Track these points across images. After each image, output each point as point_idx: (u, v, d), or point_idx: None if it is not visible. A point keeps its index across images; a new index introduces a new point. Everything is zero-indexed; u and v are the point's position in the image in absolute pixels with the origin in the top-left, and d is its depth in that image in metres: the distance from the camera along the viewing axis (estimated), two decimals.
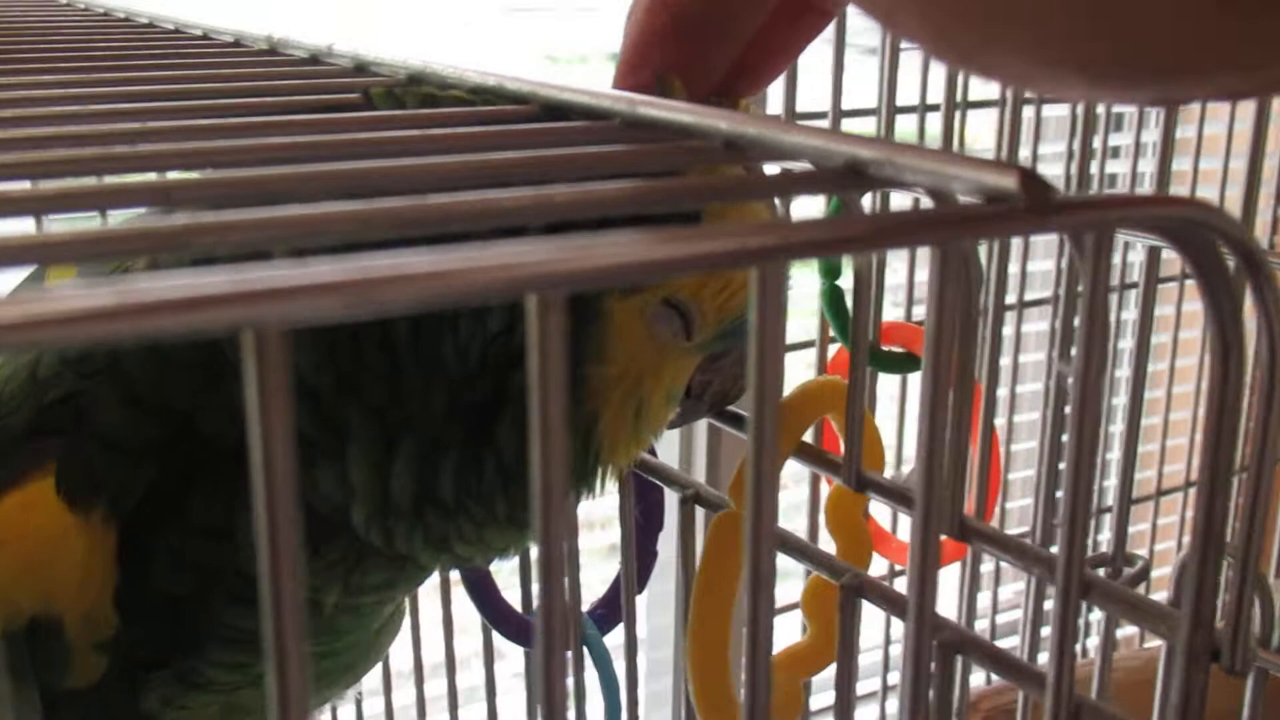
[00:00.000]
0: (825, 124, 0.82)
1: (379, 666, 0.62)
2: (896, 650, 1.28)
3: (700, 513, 0.51)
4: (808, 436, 0.47)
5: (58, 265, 0.52)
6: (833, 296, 0.75)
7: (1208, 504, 0.29)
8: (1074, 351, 0.27)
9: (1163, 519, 1.42)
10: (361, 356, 0.41)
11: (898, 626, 0.44)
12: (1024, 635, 1.08)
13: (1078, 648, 1.27)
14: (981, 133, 1.30)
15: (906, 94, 0.89)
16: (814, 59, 0.83)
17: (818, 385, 0.47)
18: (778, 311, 0.23)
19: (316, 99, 0.39)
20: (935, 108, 0.92)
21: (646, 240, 0.20)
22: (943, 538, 0.35)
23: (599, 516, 1.39)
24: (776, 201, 0.40)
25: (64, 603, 0.44)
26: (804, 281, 0.81)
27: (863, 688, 1.08)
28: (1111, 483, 1.41)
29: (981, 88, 1.06)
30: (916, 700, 0.27)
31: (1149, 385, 0.96)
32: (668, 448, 1.42)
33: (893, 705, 1.22)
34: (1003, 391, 1.27)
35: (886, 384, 0.96)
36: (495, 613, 0.63)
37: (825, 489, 0.56)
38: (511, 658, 0.74)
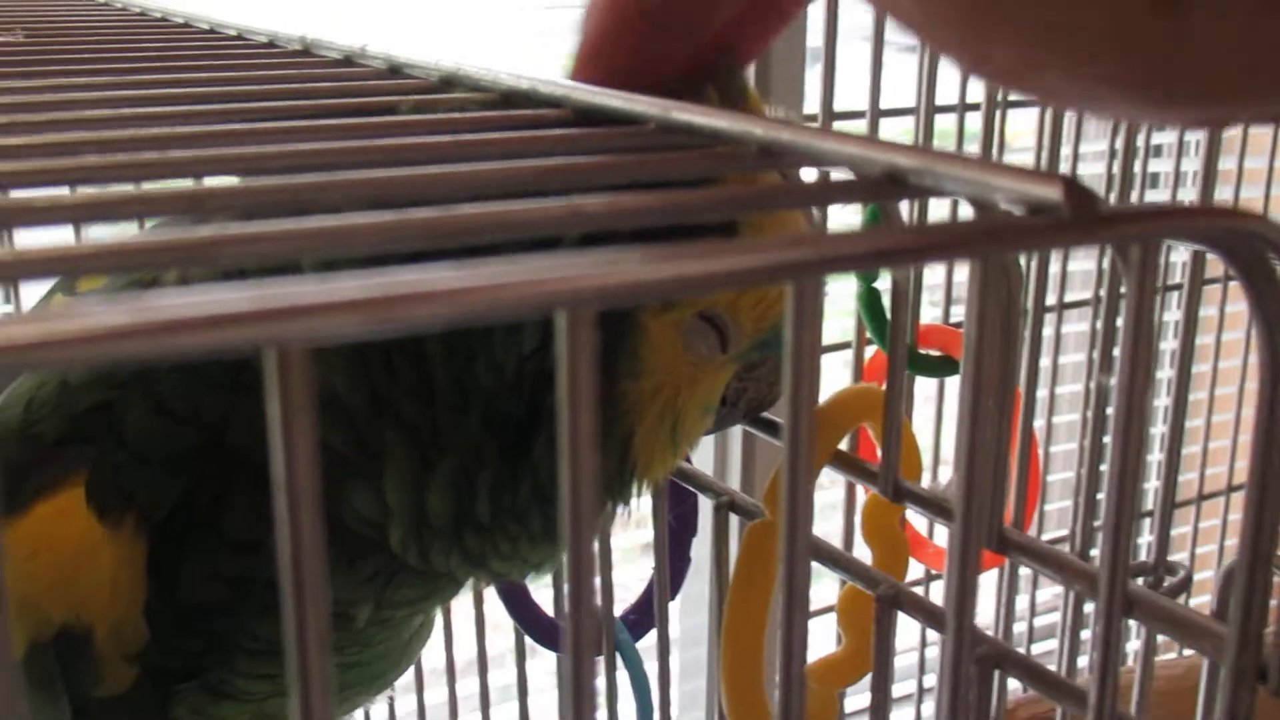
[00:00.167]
0: (863, 123, 0.81)
1: None
2: (932, 653, 1.27)
3: (734, 519, 0.51)
4: (844, 444, 0.46)
5: (86, 277, 0.52)
6: (870, 299, 0.74)
7: (1255, 517, 0.28)
8: (1115, 356, 0.26)
9: (1204, 522, 1.40)
10: (395, 375, 0.41)
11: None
12: (1062, 641, 1.07)
13: None
14: (1021, 131, 1.28)
15: (946, 93, 0.88)
16: (852, 57, 0.82)
17: (854, 393, 0.46)
18: (815, 326, 0.22)
19: (349, 102, 0.39)
20: (975, 106, 0.91)
21: (679, 255, 0.20)
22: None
23: (635, 515, 1.38)
24: (814, 209, 0.39)
25: (94, 613, 0.44)
26: (840, 282, 0.80)
27: (898, 690, 1.07)
28: (1152, 484, 1.39)
29: None
30: (954, 718, 0.27)
31: (1191, 387, 0.94)
32: (702, 453, 1.42)
33: (928, 708, 1.21)
34: (1042, 393, 1.25)
35: (923, 385, 0.95)
36: (528, 619, 0.63)
37: (861, 493, 0.56)
38: (544, 656, 0.74)
